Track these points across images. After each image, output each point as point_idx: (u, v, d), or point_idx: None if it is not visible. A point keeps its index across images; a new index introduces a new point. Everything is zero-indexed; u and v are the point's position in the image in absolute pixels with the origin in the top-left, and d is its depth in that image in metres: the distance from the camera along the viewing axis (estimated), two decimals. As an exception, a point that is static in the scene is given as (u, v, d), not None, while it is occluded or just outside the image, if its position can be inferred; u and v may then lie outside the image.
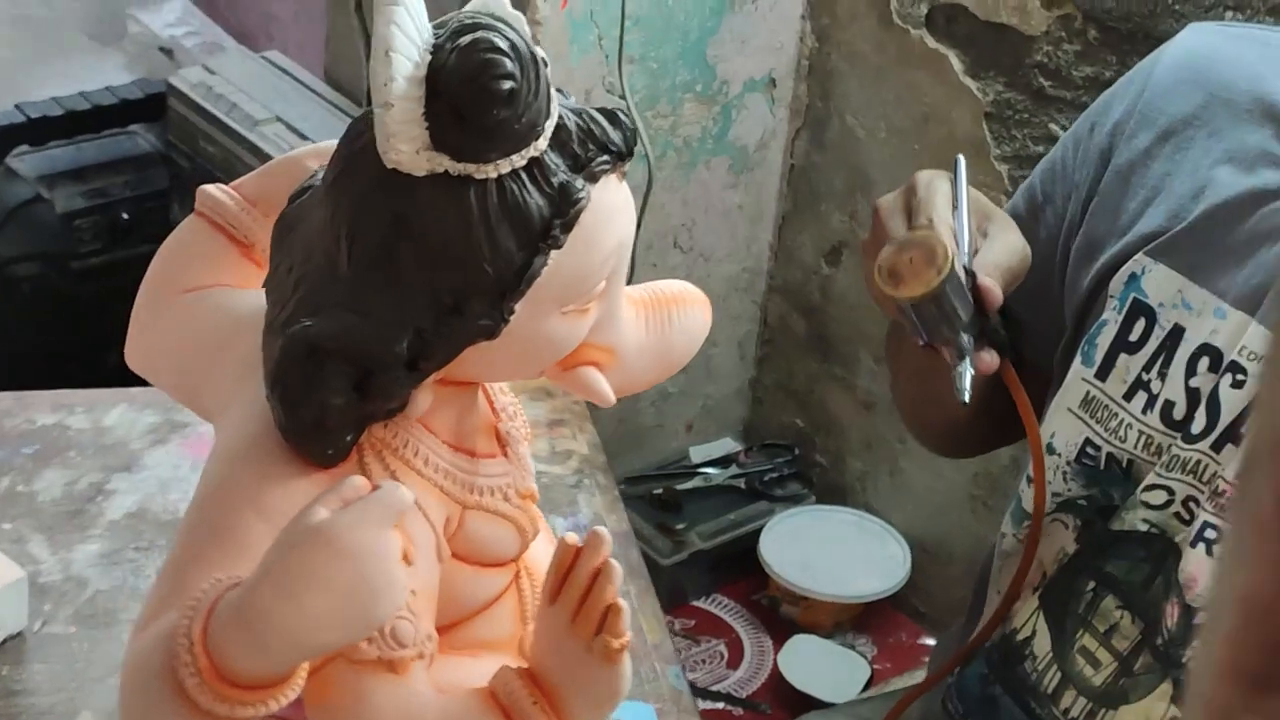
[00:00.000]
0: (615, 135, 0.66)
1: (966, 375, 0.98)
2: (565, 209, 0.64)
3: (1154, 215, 1.07)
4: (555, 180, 0.64)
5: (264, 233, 0.74)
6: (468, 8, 0.65)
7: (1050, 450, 1.10)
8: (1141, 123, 1.10)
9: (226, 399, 0.70)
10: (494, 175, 0.62)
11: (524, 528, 0.73)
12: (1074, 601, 1.09)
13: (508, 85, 0.61)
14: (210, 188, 0.77)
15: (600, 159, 0.65)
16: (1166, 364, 1.04)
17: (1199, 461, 1.01)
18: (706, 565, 2.15)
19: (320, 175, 0.67)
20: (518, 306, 0.63)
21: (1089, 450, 1.08)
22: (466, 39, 0.62)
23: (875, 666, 2.03)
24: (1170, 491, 1.03)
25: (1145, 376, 1.05)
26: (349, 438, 0.65)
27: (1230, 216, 1.04)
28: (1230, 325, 1.01)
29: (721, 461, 2.29)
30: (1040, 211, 1.16)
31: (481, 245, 0.62)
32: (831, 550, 2.13)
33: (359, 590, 0.58)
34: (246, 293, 0.75)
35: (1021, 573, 1.09)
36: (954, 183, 1.04)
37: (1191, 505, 1.02)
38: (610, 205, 0.66)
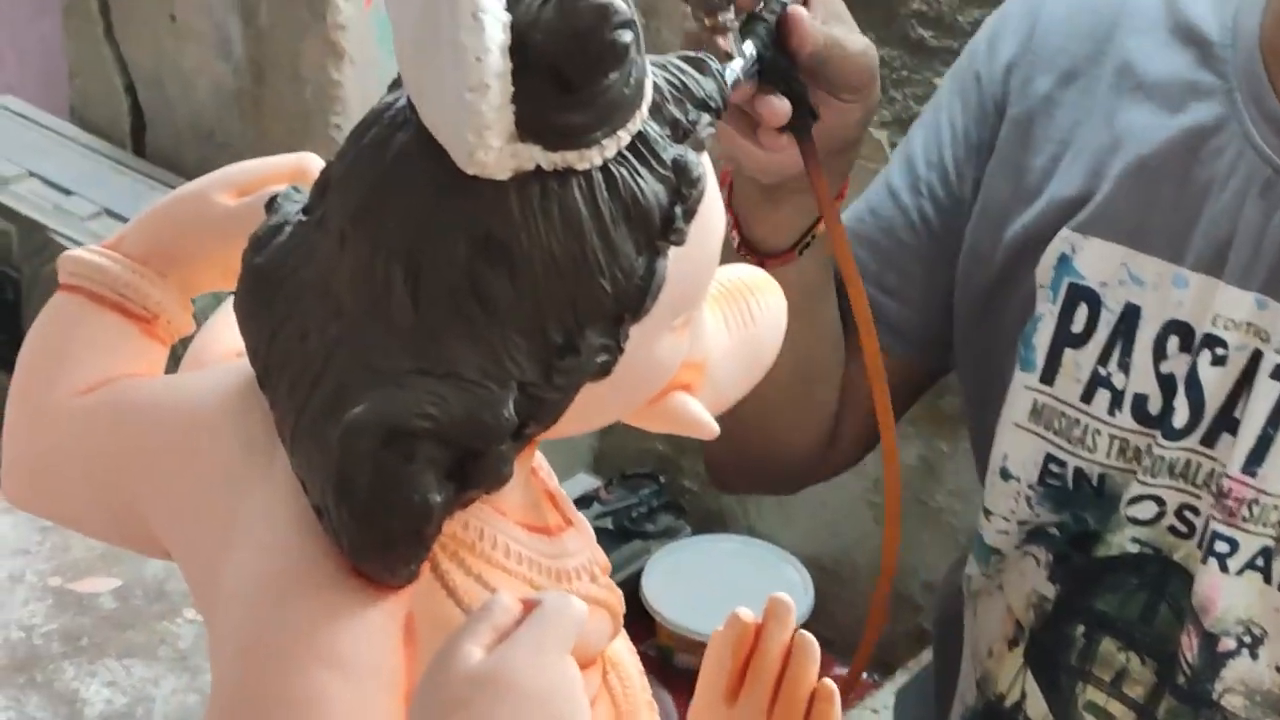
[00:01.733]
0: (711, 88, 0.53)
1: (730, 74, 0.77)
2: (686, 191, 0.51)
3: (1068, 175, 0.92)
4: (667, 155, 0.51)
5: (167, 299, 0.61)
6: None
7: (1005, 476, 0.94)
8: (1037, 64, 0.95)
9: (205, 527, 0.55)
10: (598, 162, 0.49)
11: (615, 609, 0.60)
12: (1064, 652, 0.94)
13: (628, 36, 0.48)
14: (77, 252, 0.62)
15: (703, 120, 0.53)
16: (1127, 352, 0.89)
17: (1189, 461, 0.88)
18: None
19: (284, 206, 0.53)
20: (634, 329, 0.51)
21: (1051, 469, 0.92)
22: None
23: (794, 709, 1.84)
24: (1160, 501, 0.89)
25: (1103, 371, 0.90)
26: (431, 541, 0.50)
27: (1164, 166, 0.89)
28: (1195, 293, 0.87)
29: (581, 501, 2.10)
30: (921, 183, 0.99)
31: (597, 257, 0.49)
32: (722, 584, 1.96)
33: None
34: (172, 381, 0.60)
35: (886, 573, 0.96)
36: None
37: (1188, 515, 0.88)
38: (713, 182, 0.53)
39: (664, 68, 0.53)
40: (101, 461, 0.59)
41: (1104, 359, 0.90)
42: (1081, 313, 0.91)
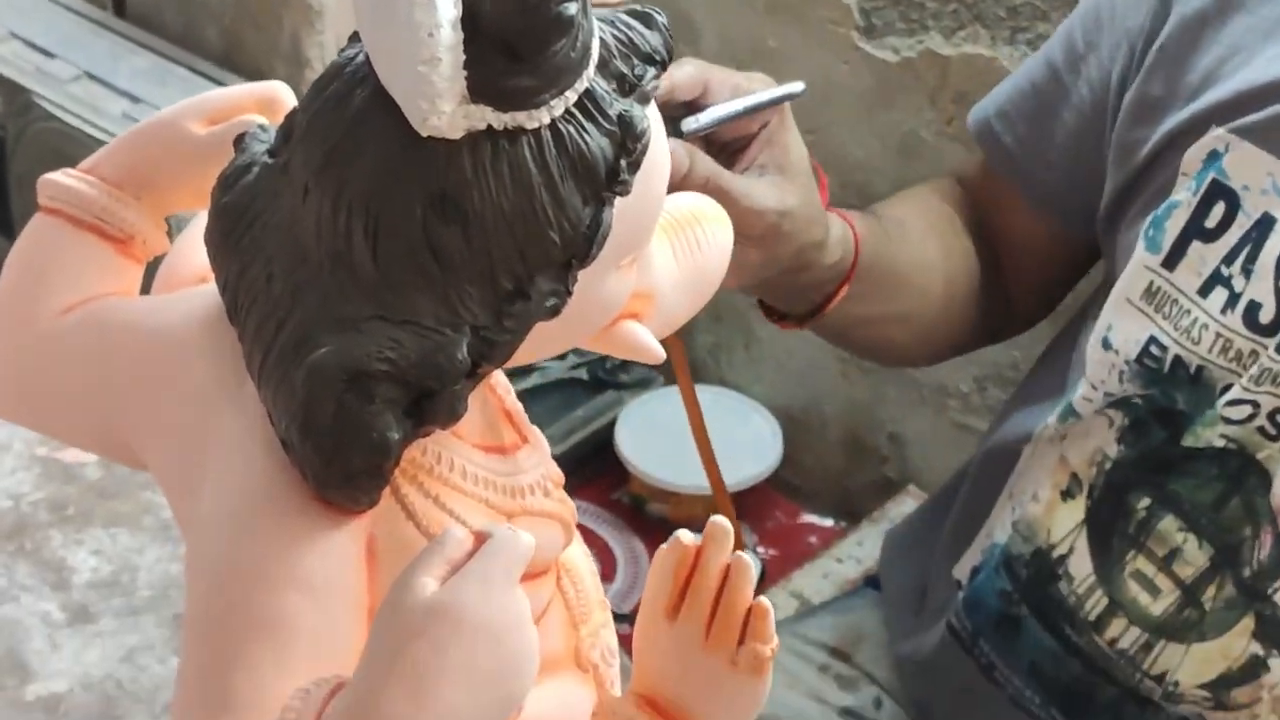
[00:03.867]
0: (656, 41, 0.55)
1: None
2: (631, 144, 0.53)
3: (1233, 79, 0.91)
4: (612, 111, 0.53)
5: (142, 220, 0.63)
6: None
7: (1106, 346, 0.95)
8: None
9: (180, 448, 0.57)
10: (546, 121, 0.51)
11: (568, 521, 0.63)
12: (1123, 520, 0.95)
13: (574, 8, 0.50)
14: (56, 176, 0.63)
15: (649, 75, 0.55)
16: (1252, 258, 0.89)
17: None
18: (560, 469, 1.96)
19: (251, 146, 0.55)
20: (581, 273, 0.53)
21: (1152, 350, 0.93)
22: None
23: (762, 554, 1.88)
24: (1255, 405, 0.89)
25: (1225, 271, 0.90)
26: (390, 471, 0.54)
27: None
28: None
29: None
30: (1081, 63, 1.00)
31: (546, 211, 0.51)
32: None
33: (503, 669, 0.49)
34: (149, 303, 0.62)
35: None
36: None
37: None
38: (658, 130, 0.55)
39: (611, 24, 0.55)
40: (82, 380, 0.61)
41: (1229, 259, 0.90)
42: (1218, 210, 0.91)
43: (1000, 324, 1.15)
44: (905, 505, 1.75)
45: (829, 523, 1.96)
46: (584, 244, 0.52)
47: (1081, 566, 0.97)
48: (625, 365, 2.08)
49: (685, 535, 0.59)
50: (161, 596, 0.96)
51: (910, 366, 1.23)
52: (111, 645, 0.92)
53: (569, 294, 0.53)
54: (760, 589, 1.83)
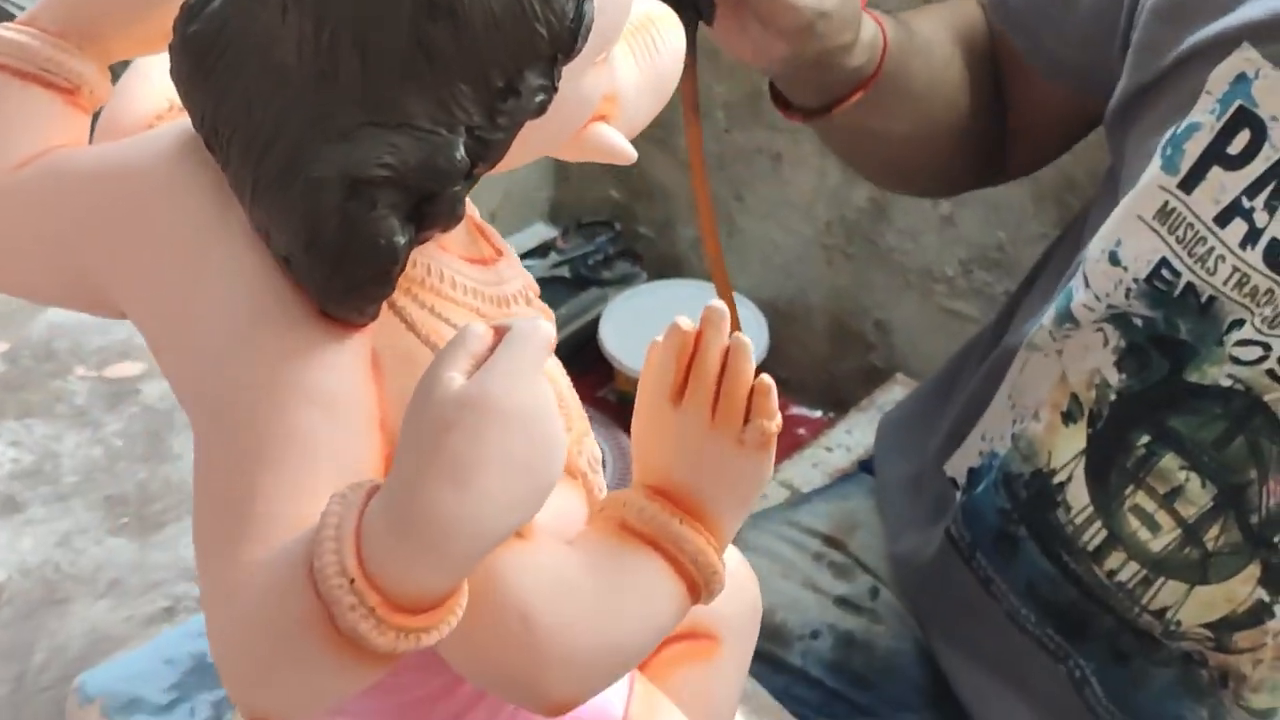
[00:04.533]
0: None
1: None
2: None
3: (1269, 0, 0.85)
4: None
5: (87, 69, 0.61)
6: None
7: (1114, 261, 0.91)
8: None
9: (165, 286, 0.56)
10: None
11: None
12: (1122, 455, 0.92)
13: None
14: None
15: None
16: (1278, 195, 0.84)
17: None
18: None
19: None
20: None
21: (1164, 273, 0.89)
22: None
23: (751, 448, 1.87)
24: (1267, 348, 0.86)
25: (1247, 203, 0.85)
26: (394, 280, 0.53)
27: None
28: None
29: (538, 251, 2.09)
30: None
31: (533, 5, 0.51)
32: (679, 330, 1.94)
33: (536, 456, 0.48)
34: (110, 148, 0.60)
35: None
36: None
37: None
38: None
39: None
40: (49, 229, 0.60)
41: (1252, 191, 0.85)
42: (1243, 137, 0.86)
43: (993, 170, 1.13)
44: (894, 393, 1.74)
45: (817, 414, 1.95)
46: (569, 37, 0.52)
47: (1080, 496, 0.95)
48: (608, 262, 2.07)
49: (684, 321, 0.59)
50: (87, 480, 0.95)
51: (894, 189, 1.19)
52: (44, 532, 0.91)
53: (555, 89, 0.52)
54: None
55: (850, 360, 1.95)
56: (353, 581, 0.47)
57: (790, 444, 1.85)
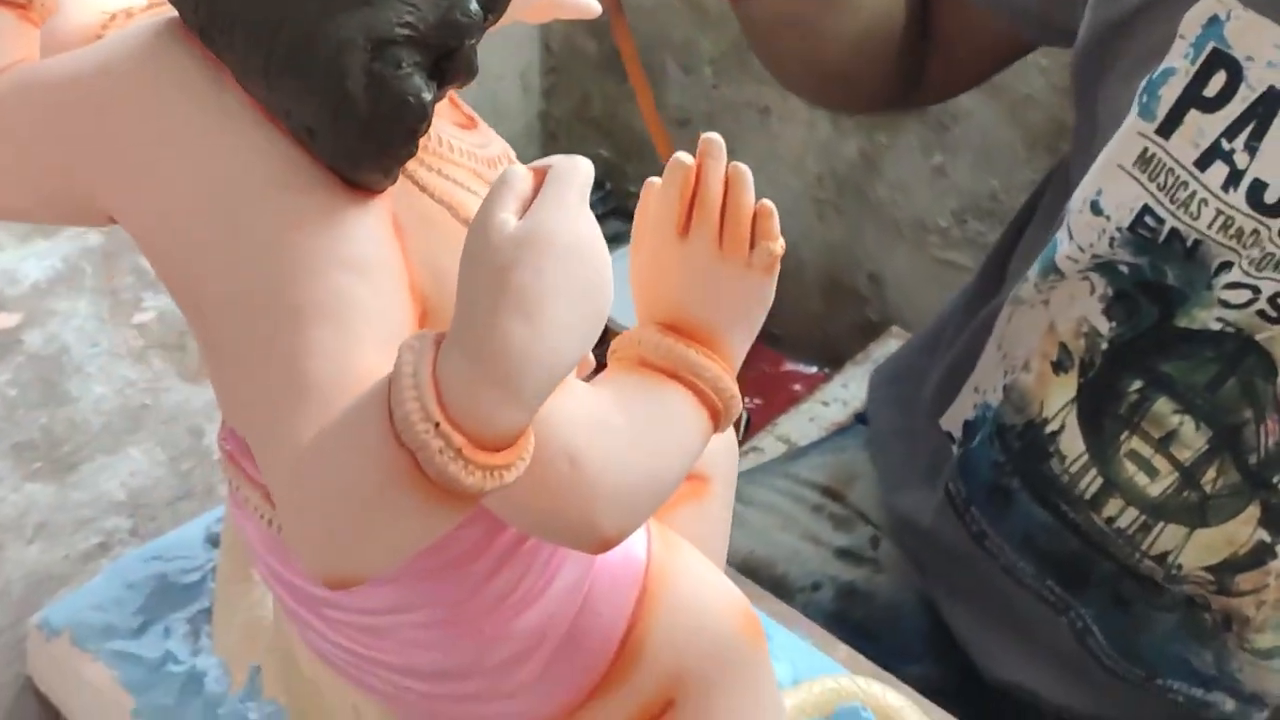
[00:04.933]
0: None
1: None
2: None
3: None
4: None
5: None
6: None
7: (1096, 210, 0.90)
8: None
9: (165, 180, 0.55)
10: None
11: None
12: (1114, 402, 0.92)
13: None
14: None
15: None
16: (1258, 135, 0.83)
17: None
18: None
19: None
20: None
21: (1147, 220, 0.88)
22: None
23: (747, 403, 1.86)
24: (1256, 290, 0.85)
25: (1227, 145, 0.84)
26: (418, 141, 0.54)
27: None
28: None
29: None
30: None
31: None
32: (671, 287, 1.94)
33: (594, 283, 0.49)
34: (75, 55, 0.59)
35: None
36: None
37: None
38: None
39: None
40: (26, 143, 0.59)
41: (1231, 133, 0.85)
42: (1219, 79, 0.85)
43: (909, 88, 1.10)
44: (889, 346, 1.73)
45: (812, 369, 1.94)
46: None
47: (1074, 445, 0.94)
48: (600, 221, 2.04)
49: (684, 156, 0.60)
50: (-13, 428, 0.95)
51: (808, 95, 1.17)
52: (-41, 487, 0.91)
53: None
54: (745, 438, 1.82)
55: (844, 314, 1.95)
56: (438, 425, 0.47)
57: (787, 400, 1.85)
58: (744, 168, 0.59)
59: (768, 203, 0.59)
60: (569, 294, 0.49)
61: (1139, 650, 0.98)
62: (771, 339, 1.98)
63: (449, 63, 0.53)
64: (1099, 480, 0.94)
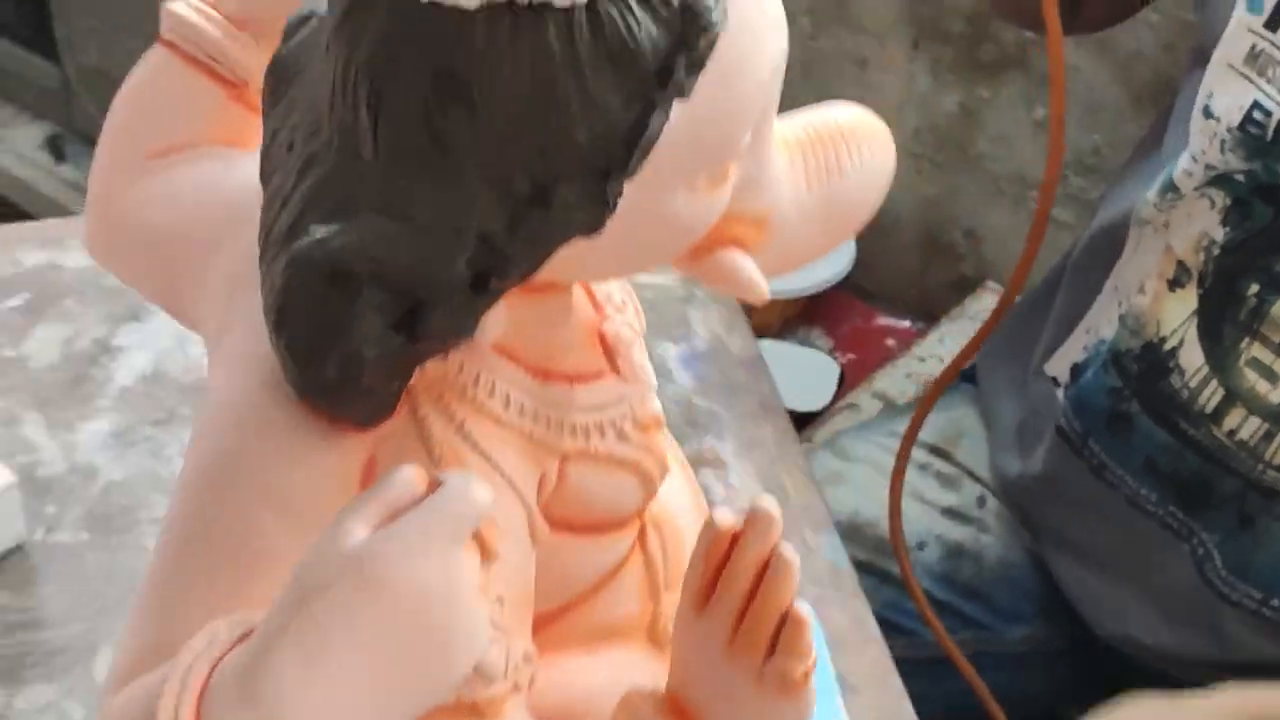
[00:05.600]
0: None
1: None
2: (693, 39, 0.43)
3: None
4: None
5: (259, 65, 0.54)
6: None
7: (1208, 114, 0.89)
8: None
9: (221, 318, 0.51)
10: (583, 0, 0.42)
11: (648, 472, 0.54)
12: (1233, 307, 0.90)
13: None
14: (178, 5, 0.56)
15: None
16: None
17: None
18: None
19: None
20: (627, 186, 0.44)
21: (1255, 116, 0.87)
22: None
23: (840, 359, 1.85)
24: None
25: None
26: (395, 387, 0.46)
27: None
28: None
29: None
30: None
31: (569, 104, 0.42)
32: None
33: (425, 645, 0.41)
34: (244, 158, 0.55)
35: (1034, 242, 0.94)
36: None
37: None
38: (753, 20, 0.45)
39: None
40: (158, 231, 0.57)
41: None
42: None
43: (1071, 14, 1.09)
44: (985, 301, 1.71)
45: (906, 324, 1.92)
46: (622, 150, 0.43)
47: (1193, 358, 0.93)
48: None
49: (724, 516, 0.50)
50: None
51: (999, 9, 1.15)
52: None
53: (609, 208, 0.44)
54: (840, 394, 1.81)
55: (939, 270, 1.93)
56: None
57: (880, 355, 1.84)
58: (791, 558, 0.49)
59: (804, 611, 0.50)
60: (376, 649, 0.40)
61: (1255, 570, 0.96)
62: (864, 293, 1.96)
63: (423, 317, 0.44)
64: (1220, 392, 0.92)
